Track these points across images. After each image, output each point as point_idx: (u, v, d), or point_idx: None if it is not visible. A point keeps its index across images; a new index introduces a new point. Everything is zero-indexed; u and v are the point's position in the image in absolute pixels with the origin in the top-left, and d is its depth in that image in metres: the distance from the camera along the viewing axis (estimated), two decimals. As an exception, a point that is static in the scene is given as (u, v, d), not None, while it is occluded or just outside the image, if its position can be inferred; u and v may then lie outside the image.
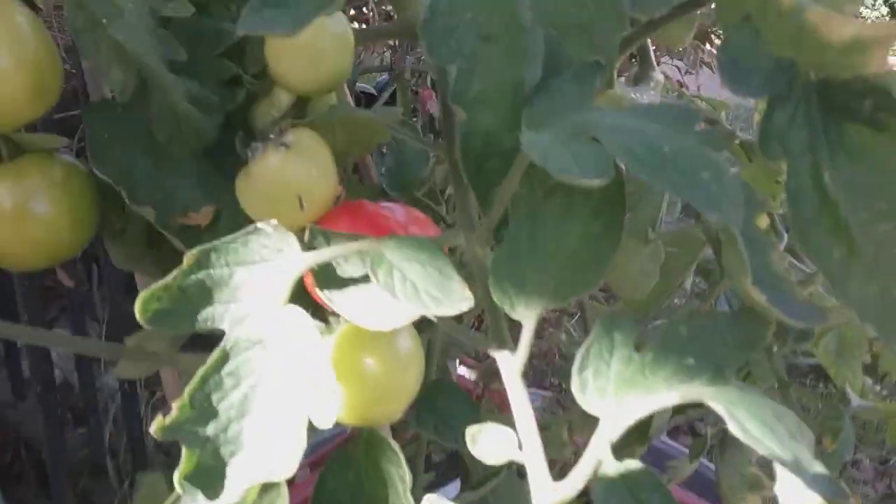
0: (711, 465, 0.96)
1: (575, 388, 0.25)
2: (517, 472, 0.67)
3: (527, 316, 0.27)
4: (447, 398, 0.50)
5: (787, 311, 0.25)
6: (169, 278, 0.30)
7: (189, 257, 0.30)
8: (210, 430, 0.30)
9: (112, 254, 0.43)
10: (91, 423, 1.22)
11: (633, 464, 0.23)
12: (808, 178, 0.29)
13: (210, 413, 0.30)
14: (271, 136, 0.33)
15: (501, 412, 0.53)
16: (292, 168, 0.33)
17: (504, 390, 0.51)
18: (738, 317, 0.27)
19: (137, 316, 0.29)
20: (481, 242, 0.29)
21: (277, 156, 0.33)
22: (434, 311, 0.26)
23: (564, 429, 0.58)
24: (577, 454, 0.65)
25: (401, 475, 0.44)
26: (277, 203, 0.33)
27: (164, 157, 0.37)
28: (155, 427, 0.29)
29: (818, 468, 0.22)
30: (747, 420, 0.22)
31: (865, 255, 0.29)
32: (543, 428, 0.61)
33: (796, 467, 0.22)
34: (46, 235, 0.36)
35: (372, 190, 0.51)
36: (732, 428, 0.22)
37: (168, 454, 1.32)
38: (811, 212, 0.29)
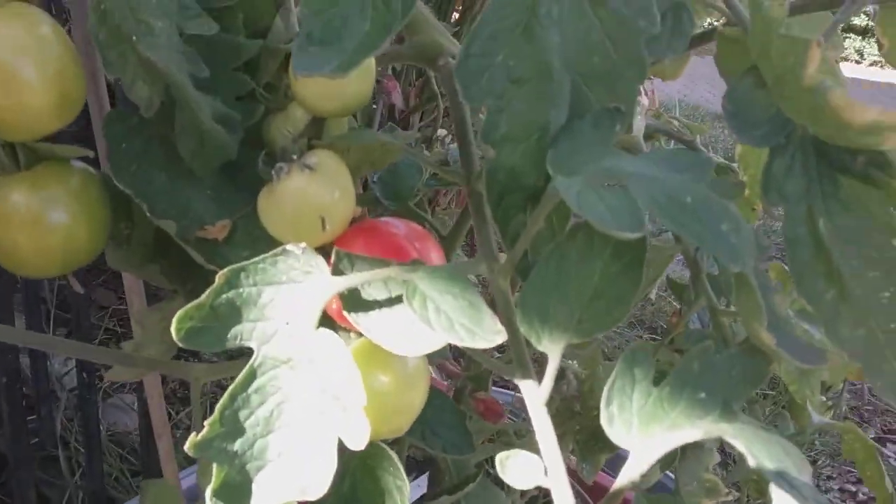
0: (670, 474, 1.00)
1: (603, 421, 0.27)
2: (492, 478, 0.69)
3: (552, 349, 0.29)
4: (434, 406, 0.52)
5: (793, 352, 0.27)
6: (203, 297, 0.31)
7: (220, 277, 0.31)
8: (237, 446, 0.31)
9: (111, 256, 0.43)
10: (42, 411, 1.20)
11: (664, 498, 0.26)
12: (804, 224, 0.32)
13: (238, 430, 0.31)
14: (294, 156, 0.34)
15: (485, 419, 0.55)
16: (316, 189, 0.34)
17: (489, 399, 0.53)
18: (743, 353, 0.29)
19: (174, 335, 0.30)
20: (504, 275, 0.31)
21: (302, 177, 0.34)
22: (468, 343, 0.28)
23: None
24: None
25: (398, 485, 0.46)
26: (300, 223, 0.34)
27: (179, 170, 0.37)
28: (189, 445, 0.30)
29: (820, 498, 0.25)
30: (764, 457, 0.25)
31: (855, 299, 0.31)
32: (521, 435, 0.63)
33: (802, 498, 0.24)
34: (62, 243, 0.37)
35: (367, 199, 0.52)
36: (752, 464, 0.25)
37: (122, 445, 1.30)
38: (806, 256, 0.32)
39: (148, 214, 0.36)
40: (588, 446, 0.64)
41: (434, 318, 0.28)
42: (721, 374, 0.29)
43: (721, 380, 0.28)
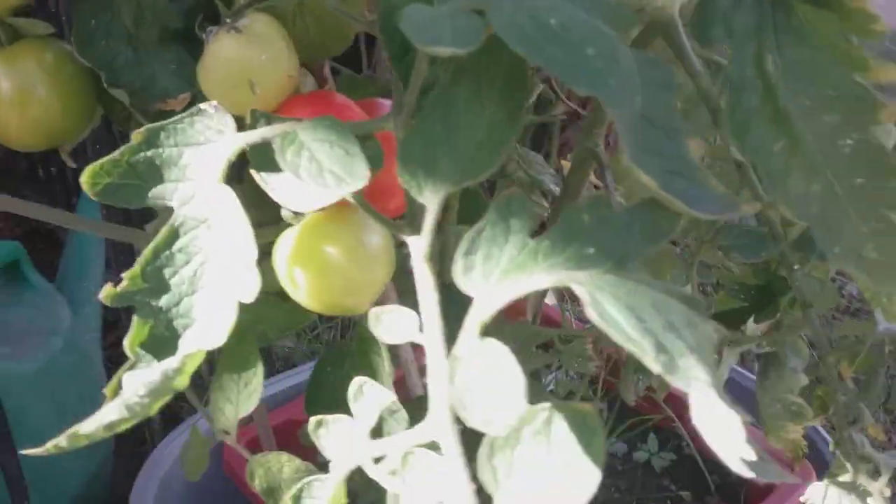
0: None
1: (458, 270, 0.25)
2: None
3: (432, 200, 0.27)
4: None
5: (691, 201, 0.23)
6: (117, 154, 0.31)
7: (137, 135, 0.32)
8: (163, 302, 0.32)
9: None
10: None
11: (492, 342, 0.23)
12: (752, 65, 0.27)
13: (163, 287, 0.32)
14: (227, 20, 0.34)
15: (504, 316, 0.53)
16: (242, 52, 0.33)
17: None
18: (646, 208, 0.25)
19: (85, 188, 0.31)
20: (403, 126, 0.29)
21: (228, 39, 0.33)
22: (336, 189, 0.27)
23: (588, 341, 0.57)
24: (609, 365, 0.64)
25: (385, 367, 0.46)
26: (230, 87, 0.34)
27: (146, 44, 0.38)
28: (104, 294, 0.31)
29: (694, 367, 0.21)
30: (611, 305, 0.22)
31: (808, 149, 0.26)
32: (566, 341, 0.61)
33: (657, 355, 0.21)
34: (43, 116, 0.39)
35: (381, 87, 0.51)
36: (588, 311, 0.22)
37: None
38: (752, 101, 0.27)
39: (105, 85, 0.37)
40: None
41: (305, 166, 0.27)
42: (618, 229, 0.25)
43: (617, 235, 0.25)
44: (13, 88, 0.38)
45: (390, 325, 0.27)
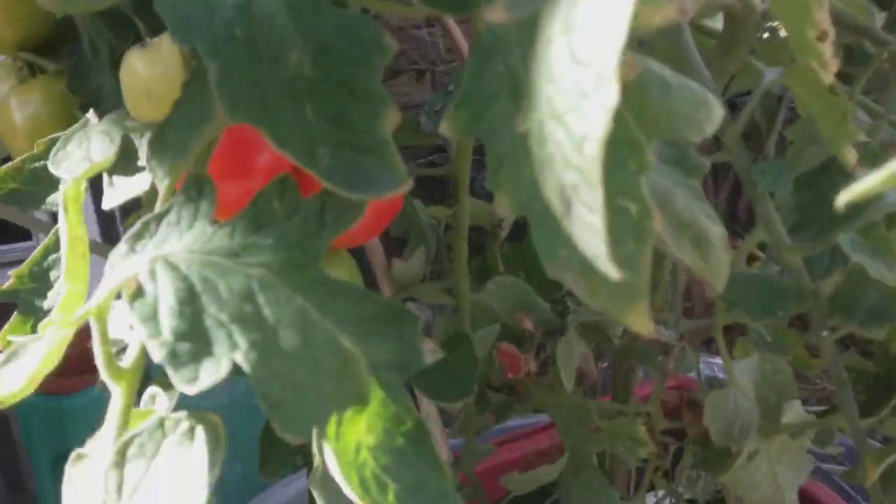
0: None
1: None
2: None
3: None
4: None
5: (334, 173, 0.19)
6: (19, 161, 0.34)
7: (40, 144, 0.34)
8: (46, 304, 0.33)
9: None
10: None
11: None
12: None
13: (48, 287, 0.34)
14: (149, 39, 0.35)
15: (506, 371, 0.47)
16: (140, 66, 0.34)
17: (510, 350, 0.46)
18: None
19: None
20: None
21: (132, 54, 0.35)
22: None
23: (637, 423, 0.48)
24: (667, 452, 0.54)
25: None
26: (130, 96, 0.35)
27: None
28: (-9, 288, 0.33)
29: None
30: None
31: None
32: (609, 416, 0.51)
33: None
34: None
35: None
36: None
37: None
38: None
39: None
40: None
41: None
42: (308, 215, 0.21)
43: (306, 223, 0.21)
44: (23, 119, 0.43)
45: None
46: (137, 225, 0.22)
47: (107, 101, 0.41)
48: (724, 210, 1.18)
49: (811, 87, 0.31)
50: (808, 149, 0.43)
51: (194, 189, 0.22)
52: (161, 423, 0.22)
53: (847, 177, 0.37)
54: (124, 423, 0.24)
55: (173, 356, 0.17)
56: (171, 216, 0.22)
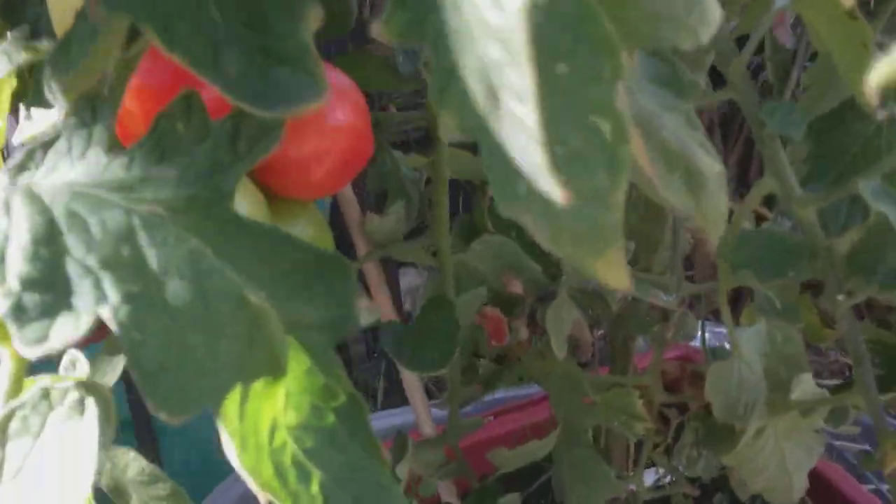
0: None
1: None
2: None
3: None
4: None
5: (236, 85, 0.15)
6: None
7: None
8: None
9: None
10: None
11: None
12: None
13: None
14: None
15: (490, 338, 0.43)
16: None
17: (495, 315, 0.42)
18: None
19: None
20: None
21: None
22: None
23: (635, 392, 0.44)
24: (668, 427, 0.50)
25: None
26: (58, 19, 0.31)
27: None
28: None
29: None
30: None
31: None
32: (602, 388, 0.48)
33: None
34: None
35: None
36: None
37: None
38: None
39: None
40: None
41: None
42: (219, 141, 0.17)
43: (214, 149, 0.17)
44: None
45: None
46: (20, 154, 0.19)
47: (46, 32, 0.37)
48: (734, 174, 1.13)
49: (828, 12, 0.27)
50: (825, 94, 0.38)
51: (88, 111, 0.18)
52: (47, 394, 0.18)
53: (868, 121, 0.32)
54: (15, 391, 0.20)
55: (18, 309, 0.13)
56: (61, 144, 0.19)
